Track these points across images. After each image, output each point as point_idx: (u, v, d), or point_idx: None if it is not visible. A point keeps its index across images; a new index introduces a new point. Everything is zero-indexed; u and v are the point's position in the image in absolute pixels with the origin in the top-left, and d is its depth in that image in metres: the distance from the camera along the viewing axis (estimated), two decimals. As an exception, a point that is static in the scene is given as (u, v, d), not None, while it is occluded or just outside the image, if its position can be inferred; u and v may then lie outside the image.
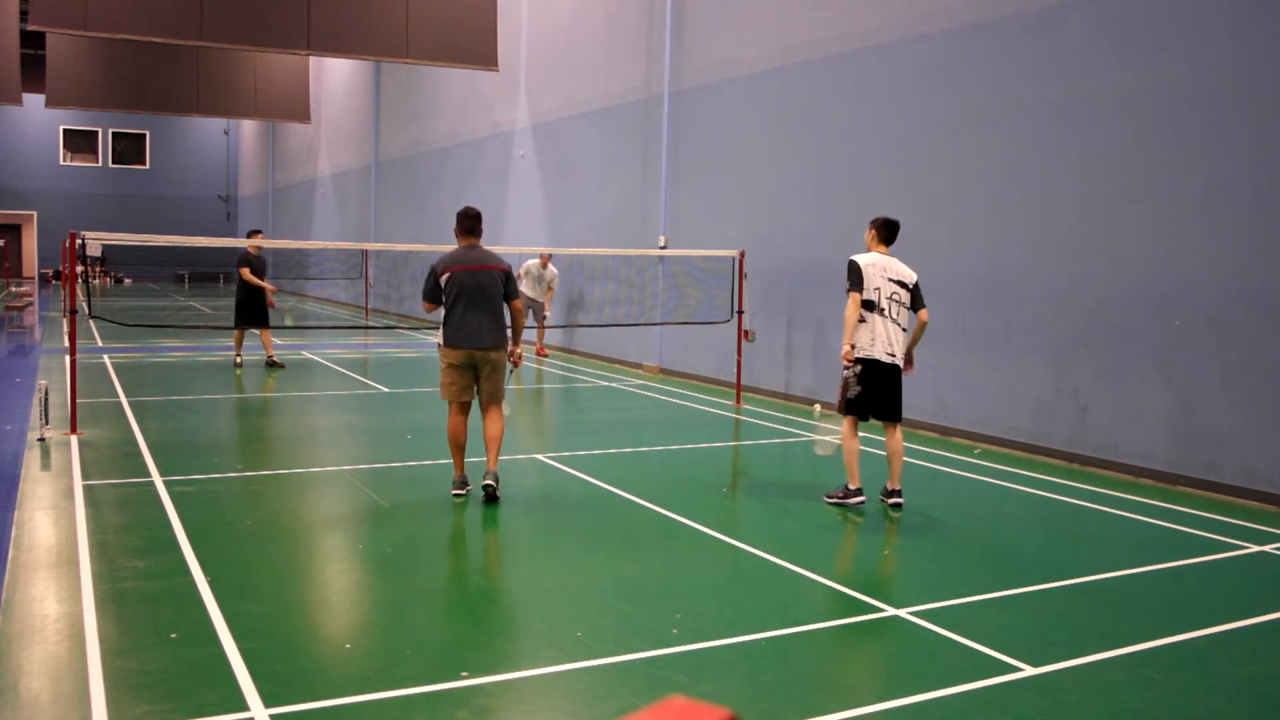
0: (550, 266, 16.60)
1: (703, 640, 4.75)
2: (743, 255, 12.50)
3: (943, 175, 10.41)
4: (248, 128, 45.07)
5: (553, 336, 17.99)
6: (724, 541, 6.51)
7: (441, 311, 7.19)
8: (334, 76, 31.84)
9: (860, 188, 11.44)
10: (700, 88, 14.13)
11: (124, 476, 7.74)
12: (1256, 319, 7.77)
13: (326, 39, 15.74)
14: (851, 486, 7.36)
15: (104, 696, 3.99)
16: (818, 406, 11.87)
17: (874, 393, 7.23)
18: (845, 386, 7.26)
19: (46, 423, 9.05)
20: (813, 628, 5.01)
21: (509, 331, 7.26)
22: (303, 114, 27.07)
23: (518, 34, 19.10)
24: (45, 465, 8.05)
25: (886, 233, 7.52)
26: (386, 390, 12.66)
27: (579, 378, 14.78)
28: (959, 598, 5.42)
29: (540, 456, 8.86)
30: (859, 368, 7.18)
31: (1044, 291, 9.36)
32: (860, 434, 7.53)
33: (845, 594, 5.45)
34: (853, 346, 7.22)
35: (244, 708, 3.93)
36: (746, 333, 12.17)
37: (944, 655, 4.65)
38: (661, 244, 14.75)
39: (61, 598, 5.10)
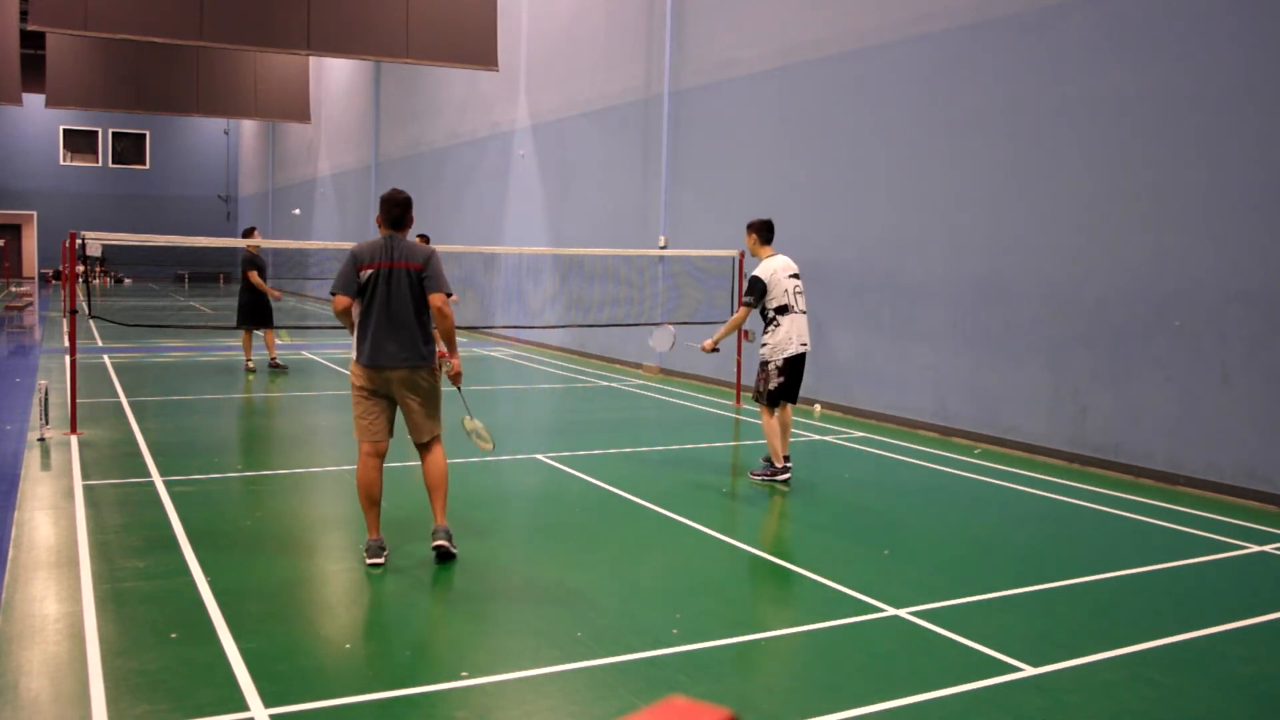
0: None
1: (703, 640, 4.75)
2: (743, 255, 12.50)
3: (943, 175, 10.41)
4: (248, 128, 45.08)
5: (553, 336, 17.99)
6: (724, 541, 6.51)
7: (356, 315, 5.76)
8: (334, 76, 31.85)
9: (860, 188, 11.44)
10: (700, 88, 14.13)
11: (124, 476, 7.74)
12: (1256, 319, 7.77)
13: (326, 39, 15.74)
14: (777, 465, 8.01)
15: (104, 696, 3.99)
16: (818, 407, 11.88)
17: (789, 382, 8.03)
18: (767, 379, 7.99)
19: (46, 423, 9.05)
20: (813, 628, 5.01)
21: (433, 345, 5.80)
22: (303, 114, 27.08)
23: (518, 34, 19.10)
24: (45, 465, 8.05)
25: (769, 233, 8.28)
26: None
27: (579, 378, 14.78)
28: (958, 598, 5.41)
29: (540, 456, 8.86)
30: (781, 364, 7.95)
31: (1044, 291, 9.36)
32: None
33: (845, 594, 5.45)
34: (717, 348, 8.33)
35: (244, 708, 3.93)
36: (746, 333, 12.17)
37: (944, 655, 4.65)
38: (661, 244, 14.75)
39: (61, 598, 5.10)
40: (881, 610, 5.19)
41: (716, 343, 8.25)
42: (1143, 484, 8.39)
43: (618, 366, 16.00)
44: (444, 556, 5.80)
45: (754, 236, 8.24)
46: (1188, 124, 8.20)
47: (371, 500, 5.86)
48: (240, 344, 14.73)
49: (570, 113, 17.49)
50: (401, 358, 5.65)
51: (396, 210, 5.82)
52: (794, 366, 8.01)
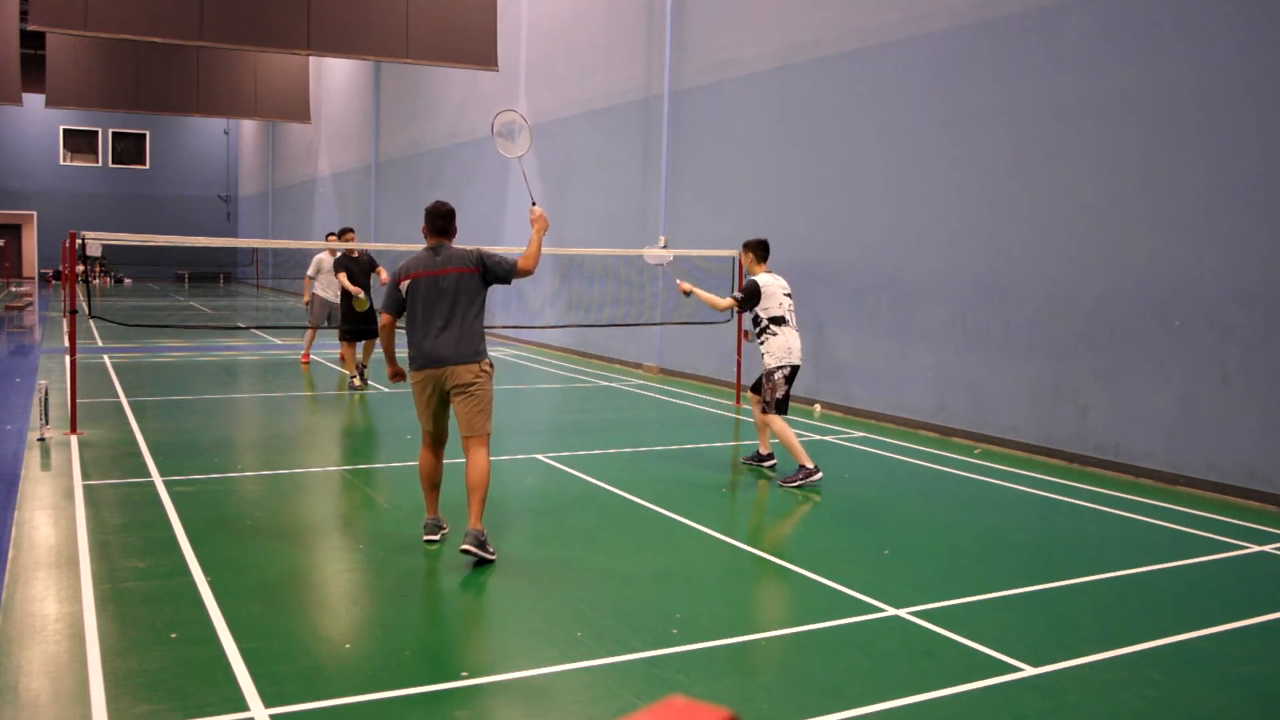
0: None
1: (703, 640, 4.75)
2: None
3: (943, 175, 10.41)
4: (248, 128, 45.08)
5: (553, 336, 17.99)
6: (724, 541, 6.51)
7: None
8: (334, 76, 31.85)
9: (860, 188, 11.44)
10: (700, 88, 14.13)
11: (124, 476, 7.74)
12: (1256, 319, 7.77)
13: (326, 39, 15.74)
14: (808, 466, 7.96)
15: (104, 696, 3.99)
16: (817, 407, 11.88)
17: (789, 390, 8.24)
18: (774, 388, 8.12)
19: (46, 423, 9.05)
20: (813, 628, 5.01)
21: (484, 345, 5.96)
22: (303, 114, 27.10)
23: (518, 34, 19.10)
24: (45, 465, 8.05)
25: (765, 252, 8.47)
26: (386, 390, 12.67)
27: (579, 378, 14.78)
28: (959, 598, 5.41)
29: (540, 456, 8.86)
30: (789, 370, 8.11)
31: (1044, 291, 9.36)
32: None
33: (845, 594, 5.45)
34: (690, 294, 8.47)
35: (244, 708, 3.93)
36: (747, 333, 12.19)
37: (944, 655, 4.65)
38: (661, 244, 14.72)
39: (61, 598, 5.10)
40: (881, 610, 5.19)
41: (691, 292, 8.45)
42: (1143, 484, 8.39)
43: (618, 366, 16.00)
44: (480, 562, 5.74)
45: (751, 255, 8.44)
46: (1188, 124, 8.20)
47: (430, 484, 6.19)
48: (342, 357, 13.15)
49: (570, 113, 17.49)
50: (451, 358, 5.82)
51: (440, 221, 6.05)
52: (790, 378, 8.17)
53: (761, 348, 8.22)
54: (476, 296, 5.93)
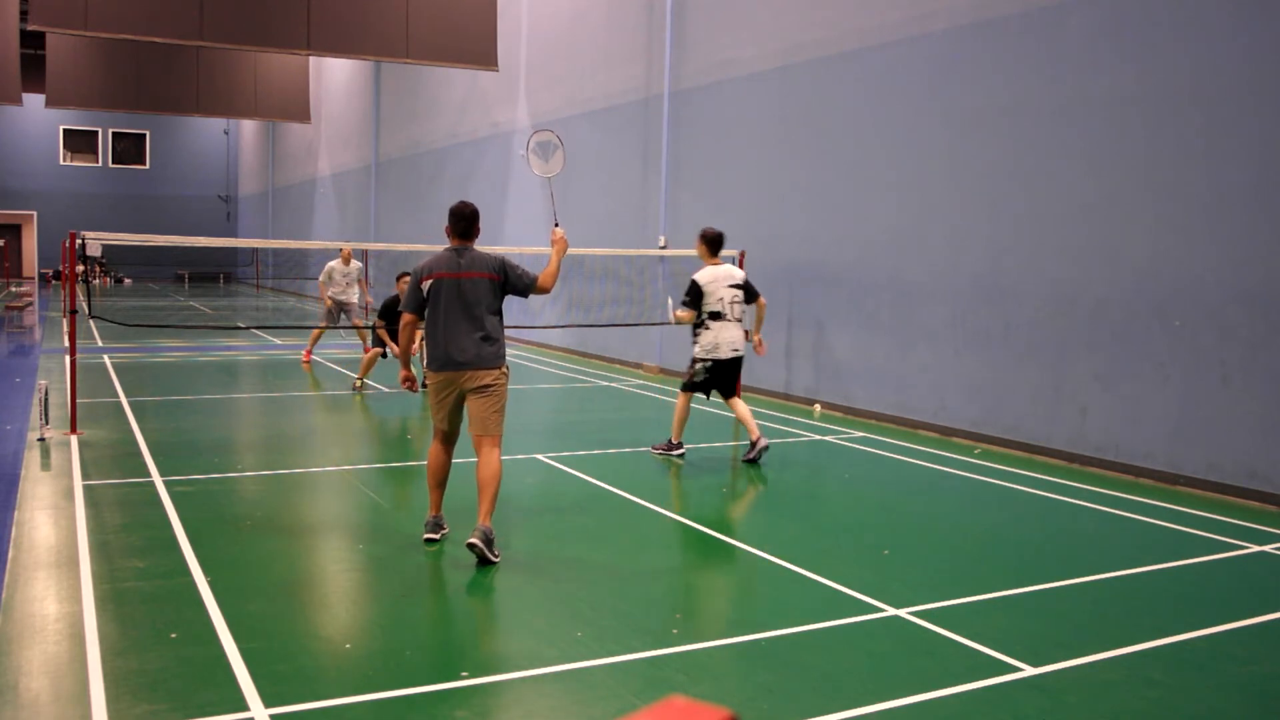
0: (354, 261, 14.62)
1: (703, 640, 4.75)
2: (743, 255, 12.49)
3: (943, 175, 10.41)
4: (248, 128, 45.09)
5: (554, 336, 17.99)
6: (724, 541, 6.51)
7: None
8: (334, 76, 31.85)
9: (860, 188, 11.44)
10: (700, 88, 14.13)
11: (124, 476, 7.74)
12: (1256, 319, 7.77)
13: (326, 39, 15.75)
14: (674, 441, 8.81)
15: (104, 696, 3.99)
16: (817, 407, 11.88)
17: (716, 379, 8.71)
18: (692, 375, 8.73)
19: (46, 423, 9.05)
20: (812, 628, 5.01)
21: (502, 347, 6.01)
22: (303, 114, 27.12)
23: (518, 34, 19.10)
24: (45, 465, 8.05)
25: (716, 246, 8.82)
26: (386, 390, 12.67)
27: (579, 378, 14.78)
28: (959, 598, 5.41)
29: (540, 456, 8.86)
30: (710, 363, 8.62)
31: (1044, 291, 9.36)
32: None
33: (845, 594, 5.45)
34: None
35: (244, 708, 3.93)
36: (746, 332, 12.18)
37: (944, 655, 4.65)
38: (661, 244, 14.74)
39: (61, 598, 5.10)
40: (881, 610, 5.19)
41: (680, 320, 8.93)
42: (1143, 484, 8.39)
43: (618, 366, 16.00)
44: (483, 562, 5.71)
45: (704, 247, 8.81)
46: (1188, 124, 8.20)
47: (436, 480, 6.17)
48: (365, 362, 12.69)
49: (570, 113, 17.50)
50: (469, 361, 5.89)
51: (463, 223, 6.13)
52: (726, 368, 8.69)
53: (694, 337, 8.75)
54: (496, 302, 5.99)
